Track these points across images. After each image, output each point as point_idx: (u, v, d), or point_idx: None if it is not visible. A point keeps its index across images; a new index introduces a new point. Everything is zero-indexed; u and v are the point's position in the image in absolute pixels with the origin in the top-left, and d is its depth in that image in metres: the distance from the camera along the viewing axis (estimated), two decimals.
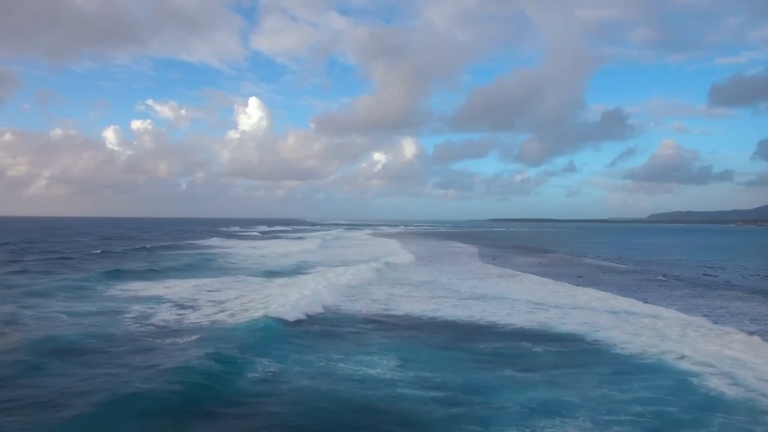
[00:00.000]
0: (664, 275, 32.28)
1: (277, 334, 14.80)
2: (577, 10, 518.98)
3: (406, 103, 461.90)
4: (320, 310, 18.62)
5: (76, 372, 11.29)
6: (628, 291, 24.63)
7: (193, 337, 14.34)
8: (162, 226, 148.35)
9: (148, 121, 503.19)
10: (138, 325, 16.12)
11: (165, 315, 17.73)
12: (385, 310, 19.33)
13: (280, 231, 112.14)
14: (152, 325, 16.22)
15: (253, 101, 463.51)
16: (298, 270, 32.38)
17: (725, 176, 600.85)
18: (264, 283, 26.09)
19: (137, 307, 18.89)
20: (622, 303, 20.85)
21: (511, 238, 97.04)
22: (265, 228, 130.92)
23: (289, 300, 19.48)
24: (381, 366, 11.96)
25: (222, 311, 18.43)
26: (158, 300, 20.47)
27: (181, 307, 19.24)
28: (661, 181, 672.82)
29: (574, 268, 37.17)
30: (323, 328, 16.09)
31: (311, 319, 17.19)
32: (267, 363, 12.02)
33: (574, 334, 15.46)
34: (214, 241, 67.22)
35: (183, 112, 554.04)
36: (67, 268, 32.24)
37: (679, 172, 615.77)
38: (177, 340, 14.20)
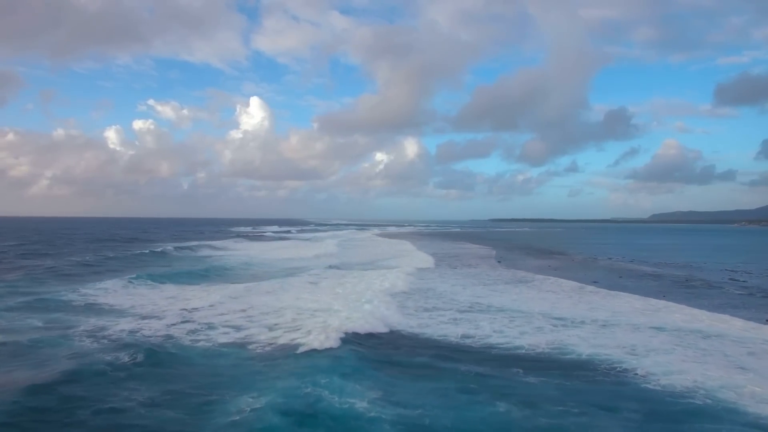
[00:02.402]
0: (687, 279, 29.42)
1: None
2: (579, 10, 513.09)
3: (409, 103, 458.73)
4: (384, 329, 15.42)
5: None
6: (659, 298, 21.38)
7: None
8: (168, 226, 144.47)
9: (150, 121, 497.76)
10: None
11: (221, 333, 14.79)
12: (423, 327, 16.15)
13: (290, 232, 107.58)
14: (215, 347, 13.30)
15: (254, 101, 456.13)
16: (330, 275, 28.50)
17: (728, 176, 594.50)
18: (308, 290, 22.81)
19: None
20: (669, 316, 17.40)
21: (517, 238, 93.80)
22: (276, 228, 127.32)
23: (346, 317, 16.41)
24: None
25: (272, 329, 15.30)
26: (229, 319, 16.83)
27: (236, 325, 15.98)
28: (664, 181, 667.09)
29: (589, 271, 33.95)
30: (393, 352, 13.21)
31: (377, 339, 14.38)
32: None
33: (604, 360, 12.27)
34: (230, 242, 62.31)
35: (184, 112, 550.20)
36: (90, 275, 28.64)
37: (682, 172, 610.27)
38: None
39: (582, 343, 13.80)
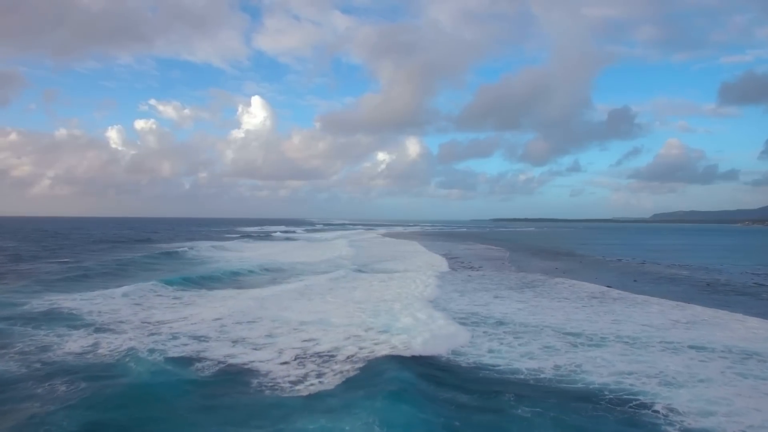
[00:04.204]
0: (709, 283, 26.76)
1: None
2: (582, 9, 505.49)
3: (412, 102, 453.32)
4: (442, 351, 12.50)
5: None
6: (691, 306, 18.54)
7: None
8: (171, 226, 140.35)
9: (152, 120, 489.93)
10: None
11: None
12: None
13: (295, 232, 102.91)
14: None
15: (256, 101, 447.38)
16: (362, 280, 25.99)
17: (731, 175, 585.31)
18: (336, 297, 20.37)
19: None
20: (714, 332, 14.36)
21: (523, 239, 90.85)
22: (283, 228, 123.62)
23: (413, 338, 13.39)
24: None
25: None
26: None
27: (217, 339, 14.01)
28: (666, 180, 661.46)
29: (601, 273, 31.16)
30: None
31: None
32: None
33: (624, 390, 9.63)
34: (237, 243, 58.69)
35: (186, 111, 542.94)
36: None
37: (684, 172, 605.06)
38: None
39: (601, 369, 11.09)
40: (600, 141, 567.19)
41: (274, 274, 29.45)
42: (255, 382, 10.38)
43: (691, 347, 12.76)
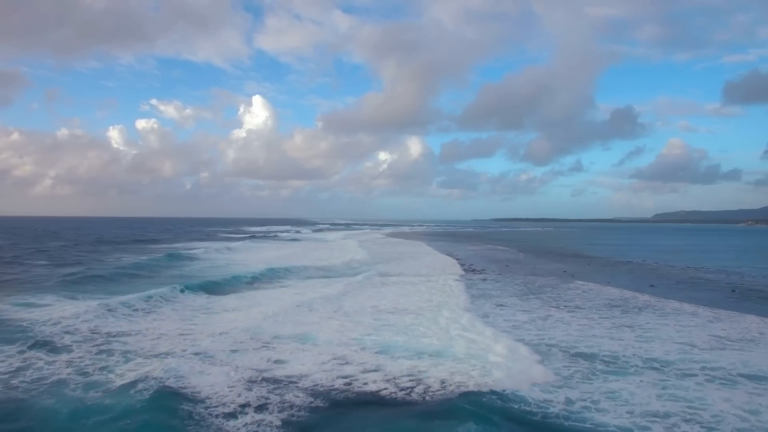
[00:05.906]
0: (734, 289, 23.90)
1: None
2: (585, 8, 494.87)
3: (414, 102, 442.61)
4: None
5: None
6: (720, 319, 15.48)
7: None
8: (173, 226, 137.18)
9: (153, 120, 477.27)
10: None
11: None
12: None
13: (300, 232, 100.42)
14: None
15: (257, 100, 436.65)
16: (375, 286, 23.17)
17: (733, 175, 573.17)
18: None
19: None
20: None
21: (529, 239, 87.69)
22: (288, 228, 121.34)
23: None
24: None
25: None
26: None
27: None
28: (668, 180, 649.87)
29: (614, 277, 28.12)
30: None
31: None
32: None
33: None
34: (248, 244, 55.74)
35: (187, 111, 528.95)
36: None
37: (686, 172, 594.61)
38: None
39: (621, 408, 8.44)
40: (602, 141, 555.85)
41: (279, 279, 26.65)
42: (185, 410, 8.10)
43: (742, 375, 9.89)
